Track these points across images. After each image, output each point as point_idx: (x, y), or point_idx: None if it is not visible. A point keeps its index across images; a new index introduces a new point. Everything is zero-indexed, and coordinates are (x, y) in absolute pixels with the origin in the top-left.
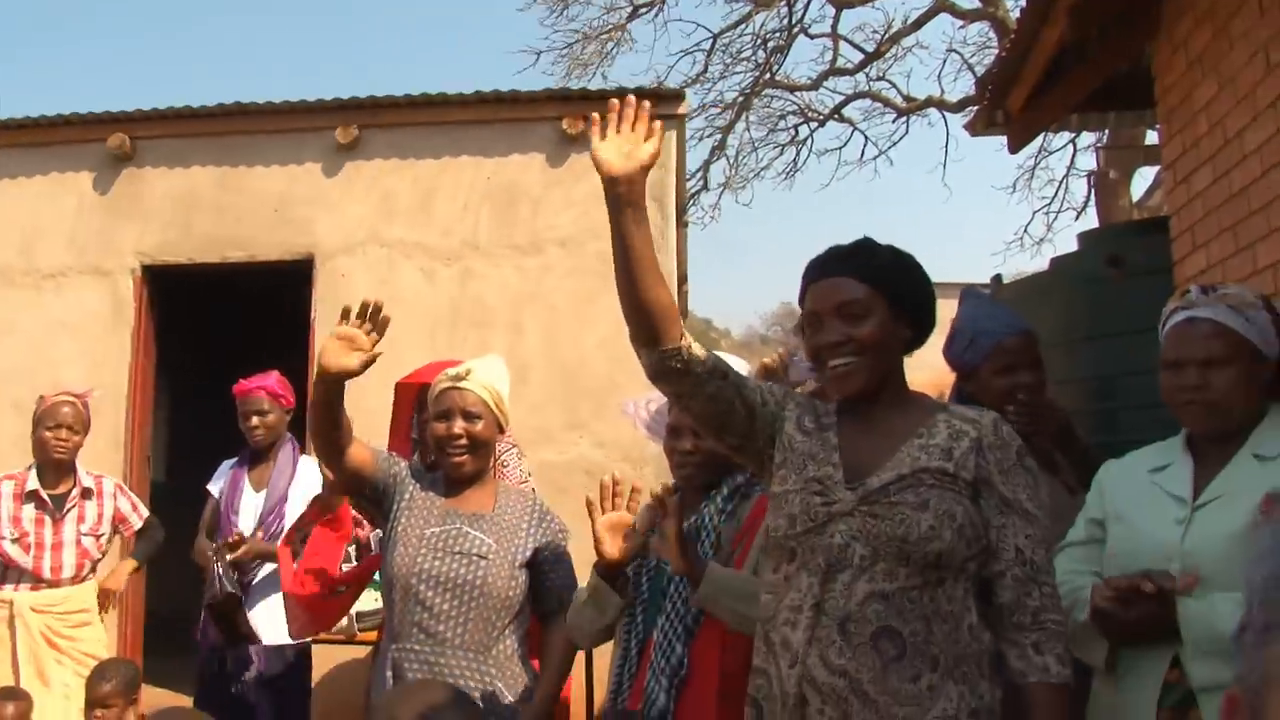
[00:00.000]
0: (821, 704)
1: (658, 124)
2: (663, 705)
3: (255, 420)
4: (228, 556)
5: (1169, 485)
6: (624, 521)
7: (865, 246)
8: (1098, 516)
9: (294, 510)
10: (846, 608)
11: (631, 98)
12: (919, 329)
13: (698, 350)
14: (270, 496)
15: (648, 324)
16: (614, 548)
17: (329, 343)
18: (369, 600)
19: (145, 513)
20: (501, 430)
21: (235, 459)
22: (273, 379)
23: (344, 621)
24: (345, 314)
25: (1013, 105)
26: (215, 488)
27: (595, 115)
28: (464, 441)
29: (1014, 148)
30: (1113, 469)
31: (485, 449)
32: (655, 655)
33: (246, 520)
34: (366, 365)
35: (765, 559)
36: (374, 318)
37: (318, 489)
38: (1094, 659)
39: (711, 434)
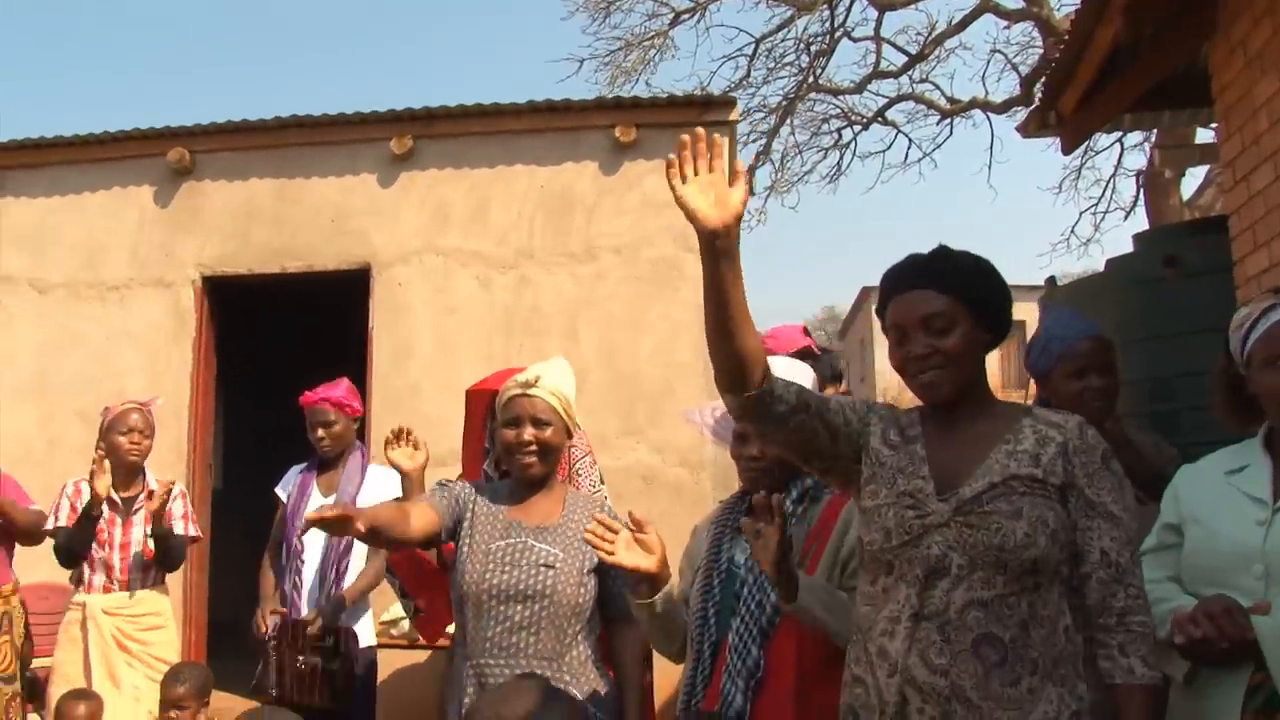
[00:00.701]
0: (922, 703)
1: (741, 163)
2: (740, 706)
3: (321, 431)
4: (300, 642)
5: (1247, 487)
6: (638, 540)
7: (942, 255)
8: (1173, 521)
9: None
10: (946, 615)
11: (701, 130)
12: (997, 332)
13: (780, 389)
14: (338, 503)
15: (736, 370)
16: (644, 561)
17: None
18: (397, 609)
19: (194, 531)
20: (569, 435)
21: (305, 464)
22: (341, 388)
23: (405, 626)
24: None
25: (1065, 106)
26: (284, 492)
27: (671, 158)
28: (534, 447)
29: (1067, 149)
30: (1187, 473)
31: (555, 454)
32: (730, 657)
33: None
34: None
35: (861, 571)
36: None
37: (386, 496)
38: (1174, 673)
39: (798, 461)
